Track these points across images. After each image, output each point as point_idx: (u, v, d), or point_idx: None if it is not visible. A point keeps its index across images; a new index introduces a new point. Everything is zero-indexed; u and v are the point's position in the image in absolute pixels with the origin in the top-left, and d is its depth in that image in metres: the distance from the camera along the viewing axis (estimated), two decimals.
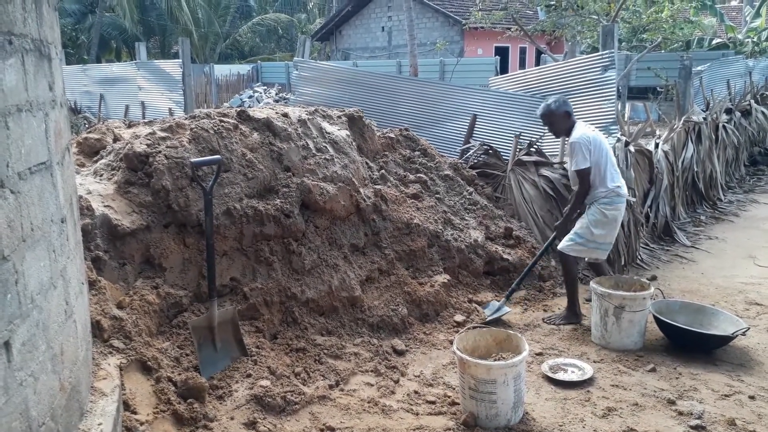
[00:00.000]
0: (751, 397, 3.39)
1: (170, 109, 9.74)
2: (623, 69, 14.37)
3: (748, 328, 3.93)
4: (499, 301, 4.63)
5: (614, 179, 4.34)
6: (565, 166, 4.67)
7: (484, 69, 18.48)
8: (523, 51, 27.64)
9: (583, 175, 4.28)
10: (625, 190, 4.41)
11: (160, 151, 3.87)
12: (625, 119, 13.57)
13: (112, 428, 2.28)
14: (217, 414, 3.00)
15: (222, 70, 23.81)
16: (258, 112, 4.50)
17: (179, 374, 3.11)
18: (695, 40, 20.48)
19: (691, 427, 3.09)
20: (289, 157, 4.32)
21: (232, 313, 3.51)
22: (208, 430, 2.87)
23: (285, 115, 4.62)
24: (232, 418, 3.00)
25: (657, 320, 4.08)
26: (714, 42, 20.37)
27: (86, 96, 12.73)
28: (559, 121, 4.41)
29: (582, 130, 4.33)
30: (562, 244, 4.45)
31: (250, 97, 20.52)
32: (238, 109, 4.47)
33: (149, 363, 3.06)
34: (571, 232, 4.44)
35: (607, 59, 5.70)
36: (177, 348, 3.34)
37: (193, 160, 3.42)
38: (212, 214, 3.41)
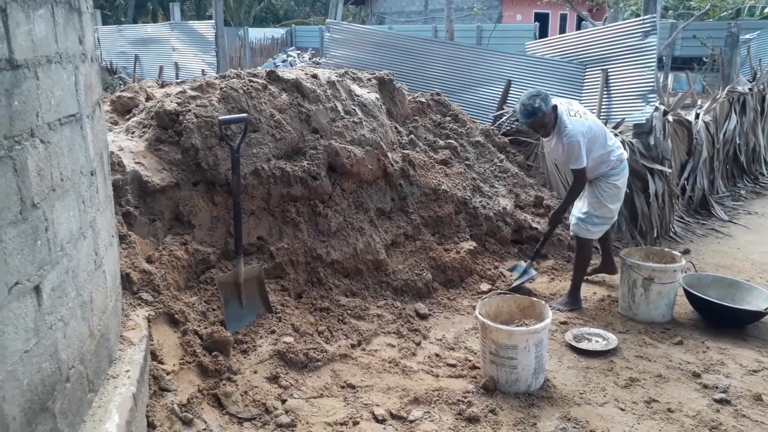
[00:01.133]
0: None
1: (203, 71, 9.79)
2: (668, 37, 13.85)
3: None
4: (525, 262, 4.59)
5: (614, 149, 4.04)
6: (555, 157, 4.22)
7: (523, 35, 17.95)
8: (564, 18, 26.82)
9: (582, 173, 3.95)
10: (623, 152, 4.13)
11: (189, 110, 3.91)
12: (669, 90, 13.13)
13: (139, 376, 2.36)
14: (240, 367, 3.08)
15: (256, 34, 23.72)
16: (287, 73, 4.49)
17: (205, 328, 3.19)
18: (746, 8, 19.51)
19: (715, 401, 3.05)
20: (317, 119, 4.31)
21: (259, 271, 3.56)
22: (231, 381, 2.94)
23: (314, 76, 4.59)
24: (255, 372, 3.07)
25: (687, 293, 3.99)
26: (766, 10, 19.39)
27: (122, 57, 12.87)
28: (551, 120, 3.90)
29: (573, 125, 3.86)
30: (586, 233, 4.15)
31: (284, 61, 20.44)
32: (268, 70, 4.46)
33: (176, 316, 3.15)
34: (588, 215, 4.12)
35: (648, 24, 5.48)
36: (204, 303, 3.42)
37: (220, 118, 3.44)
38: (239, 173, 3.44)
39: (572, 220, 4.28)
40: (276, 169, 3.96)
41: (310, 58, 20.22)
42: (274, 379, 3.06)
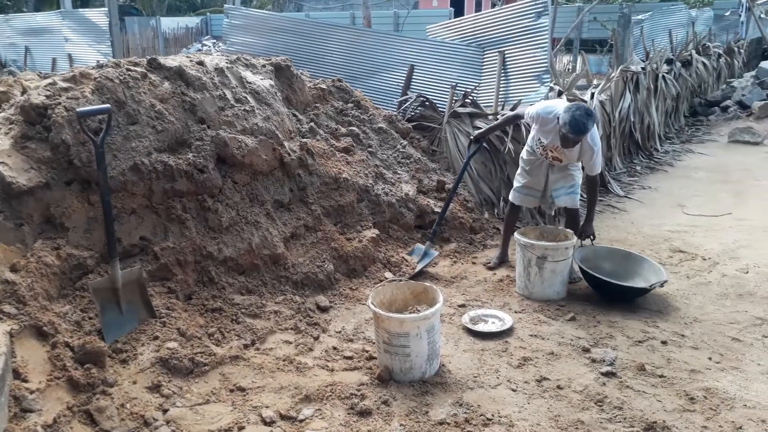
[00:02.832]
0: (663, 342, 3.46)
1: (98, 62, 9.20)
2: (574, 21, 14.29)
3: (666, 281, 3.98)
4: (424, 245, 4.60)
5: None
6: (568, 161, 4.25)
7: (438, 21, 18.03)
8: (479, 3, 27.26)
9: (597, 179, 4.25)
10: None
11: (59, 103, 3.61)
12: (577, 71, 13.55)
13: None
14: (118, 378, 2.88)
15: (170, 23, 22.81)
16: (170, 61, 4.23)
17: (79, 339, 2.96)
18: None
19: (602, 374, 3.13)
20: (203, 108, 4.09)
21: (138, 274, 3.35)
22: (106, 395, 2.75)
23: (200, 63, 4.36)
24: (134, 382, 2.88)
25: (580, 269, 4.10)
26: None
27: (11, 49, 11.94)
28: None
29: (595, 133, 4.04)
30: (577, 201, 4.37)
31: (199, 50, 19.67)
32: (149, 58, 4.19)
33: (45, 328, 2.91)
34: (576, 187, 4.32)
35: (540, 5, 5.56)
36: (79, 312, 3.18)
37: (78, 110, 3.18)
38: (105, 168, 3.20)
39: (563, 197, 4.31)
40: (158, 163, 3.72)
41: (221, 47, 19.58)
42: (155, 388, 2.88)
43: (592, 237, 4.27)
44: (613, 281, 3.95)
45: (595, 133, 4.02)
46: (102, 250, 3.48)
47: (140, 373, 2.95)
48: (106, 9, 8.89)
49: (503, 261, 4.63)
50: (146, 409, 2.73)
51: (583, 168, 4.32)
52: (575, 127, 3.79)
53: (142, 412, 2.70)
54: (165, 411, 2.75)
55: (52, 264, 3.22)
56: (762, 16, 16.99)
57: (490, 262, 4.61)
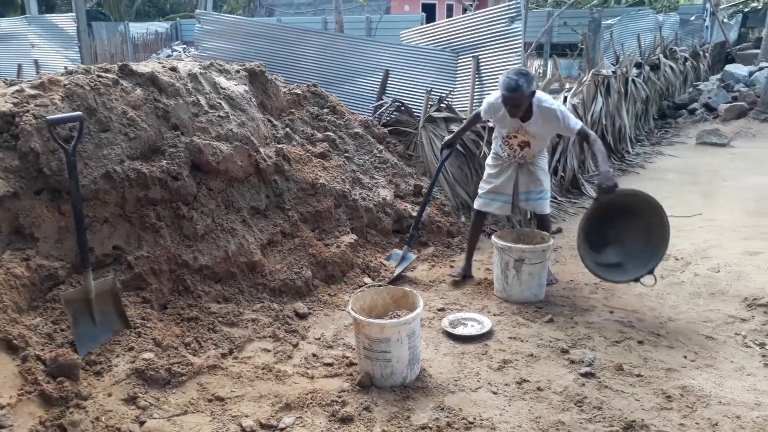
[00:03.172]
0: (640, 342, 3.50)
1: (66, 68, 9.03)
2: (544, 25, 14.49)
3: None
4: (401, 249, 4.60)
5: None
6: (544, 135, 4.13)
7: (410, 26, 18.10)
8: (450, 8, 27.48)
9: (585, 131, 3.92)
10: None
11: (28, 110, 3.52)
12: (548, 76, 13.75)
13: None
14: (93, 391, 2.81)
15: (139, 29, 22.54)
16: (142, 67, 4.17)
17: (51, 351, 2.88)
18: None
19: (581, 374, 3.15)
20: (176, 115, 4.03)
21: (112, 284, 3.27)
22: (80, 408, 2.68)
23: (173, 69, 4.30)
24: (109, 395, 2.81)
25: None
26: None
27: None
28: (526, 103, 3.84)
29: (547, 97, 4.01)
30: (549, 209, 4.36)
31: (169, 56, 19.47)
32: (120, 64, 4.12)
33: (15, 341, 2.85)
34: (545, 192, 4.26)
35: (513, 10, 5.63)
36: (51, 324, 3.10)
37: (48, 118, 3.11)
38: (77, 177, 3.13)
39: (532, 202, 4.29)
40: (131, 171, 3.66)
41: (193, 53, 19.39)
42: (131, 400, 2.81)
43: (612, 189, 3.66)
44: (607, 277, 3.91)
45: (544, 98, 3.95)
46: (74, 260, 3.40)
47: (115, 385, 2.88)
48: (74, 14, 8.72)
49: (467, 276, 4.45)
50: (122, 422, 2.67)
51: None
52: (507, 85, 3.72)
53: (118, 425, 2.64)
54: (142, 423, 2.69)
55: (21, 275, 3.14)
56: (725, 20, 17.48)
57: (455, 275, 4.44)
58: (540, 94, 3.96)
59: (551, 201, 5.91)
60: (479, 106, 4.20)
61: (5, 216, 3.29)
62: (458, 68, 6.24)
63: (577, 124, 3.93)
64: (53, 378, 2.76)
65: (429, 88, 6.02)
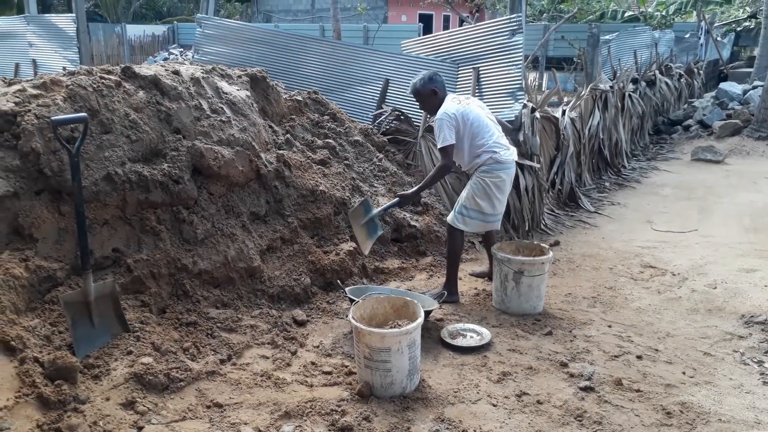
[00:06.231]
0: (639, 357, 3.51)
1: (65, 68, 8.99)
2: (541, 39, 14.61)
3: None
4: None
5: (491, 148, 4.07)
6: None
7: (408, 36, 18.16)
8: (447, 19, 27.64)
9: (447, 152, 4.00)
10: (508, 156, 4.13)
11: (29, 110, 3.51)
12: (543, 89, 13.86)
13: None
14: (90, 395, 2.78)
15: (136, 31, 22.53)
16: (145, 69, 4.16)
17: (48, 354, 2.85)
18: (609, 12, 21.16)
19: (581, 389, 3.15)
20: (179, 118, 4.02)
21: (111, 287, 3.25)
22: (78, 412, 2.65)
23: (176, 72, 4.29)
24: (107, 399, 2.78)
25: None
26: (627, 15, 21.10)
27: None
28: (427, 100, 4.21)
29: (446, 106, 4.06)
30: (450, 217, 4.22)
31: (166, 59, 19.44)
32: (123, 66, 4.10)
33: (13, 343, 2.82)
34: (461, 206, 4.15)
35: (515, 24, 5.66)
36: (49, 326, 3.07)
37: (53, 118, 3.09)
38: (80, 178, 3.12)
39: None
40: (132, 174, 3.64)
41: (193, 56, 19.36)
42: (129, 404, 2.78)
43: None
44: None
45: (445, 106, 4.06)
46: (73, 262, 3.37)
47: (113, 389, 2.85)
48: (74, 15, 8.68)
49: (454, 301, 4.20)
50: (120, 427, 2.64)
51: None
52: (410, 87, 4.27)
53: (115, 430, 2.61)
54: (140, 428, 2.66)
55: (20, 276, 3.11)
56: (719, 38, 17.68)
57: (441, 297, 4.01)
58: (445, 104, 4.11)
59: (548, 214, 5.99)
60: None
61: (4, 216, 3.27)
62: (458, 80, 6.26)
63: (442, 142, 4.00)
64: (51, 381, 2.73)
65: None
